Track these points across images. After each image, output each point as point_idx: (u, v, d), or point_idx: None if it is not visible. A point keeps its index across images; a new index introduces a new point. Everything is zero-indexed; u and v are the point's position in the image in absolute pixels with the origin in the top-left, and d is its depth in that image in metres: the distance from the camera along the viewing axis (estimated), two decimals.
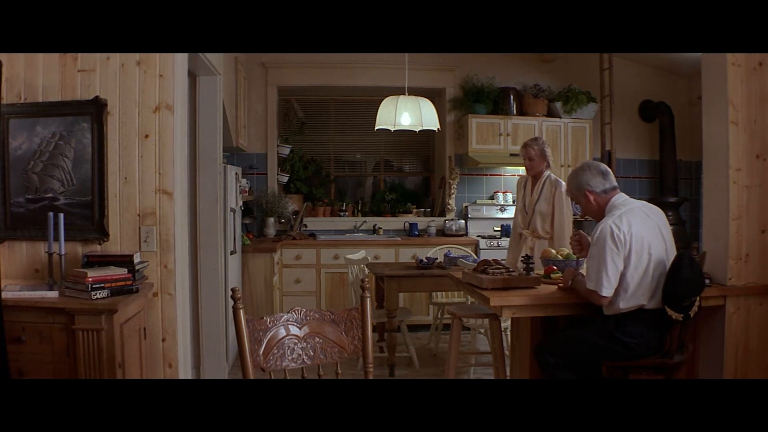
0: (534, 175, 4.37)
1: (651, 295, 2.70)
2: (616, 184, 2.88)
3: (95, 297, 2.51)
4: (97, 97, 2.89)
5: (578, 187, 2.88)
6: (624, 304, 2.71)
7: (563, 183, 4.19)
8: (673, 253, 2.78)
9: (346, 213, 6.62)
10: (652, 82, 6.77)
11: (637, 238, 2.69)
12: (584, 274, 2.93)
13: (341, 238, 6.18)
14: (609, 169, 2.92)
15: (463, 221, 6.42)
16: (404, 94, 4.80)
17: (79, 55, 2.90)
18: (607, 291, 2.70)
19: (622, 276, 2.70)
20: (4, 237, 2.92)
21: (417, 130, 4.88)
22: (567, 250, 3.47)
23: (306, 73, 6.35)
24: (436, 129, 4.95)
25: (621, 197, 2.84)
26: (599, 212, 2.86)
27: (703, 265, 3.05)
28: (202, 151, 4.24)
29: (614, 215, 2.75)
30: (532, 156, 4.30)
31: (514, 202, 6.59)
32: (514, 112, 6.39)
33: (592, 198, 2.85)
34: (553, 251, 3.56)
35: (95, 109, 2.89)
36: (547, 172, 4.33)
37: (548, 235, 4.28)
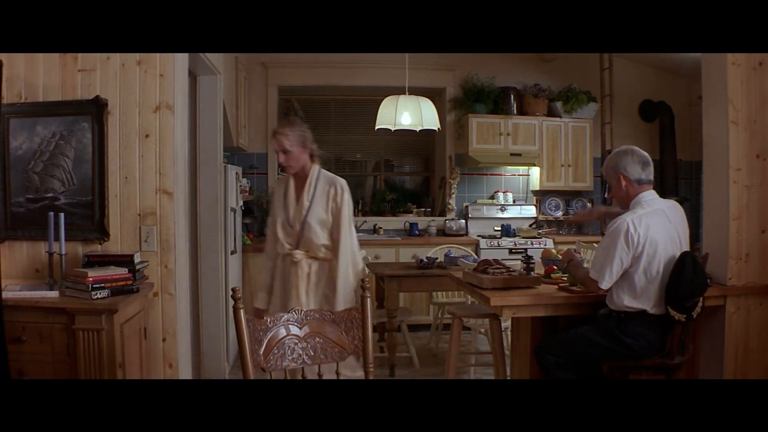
0: (296, 174, 3.16)
1: (656, 301, 2.69)
2: (652, 178, 2.82)
3: (95, 297, 2.51)
4: (97, 96, 2.89)
5: (615, 167, 2.83)
6: (628, 302, 2.71)
7: (343, 181, 3.16)
8: None
9: None
10: (652, 82, 6.78)
11: (652, 242, 2.67)
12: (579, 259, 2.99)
13: None
14: (650, 162, 2.84)
15: (464, 221, 6.42)
16: (404, 94, 4.81)
17: (80, 55, 2.90)
18: (606, 284, 2.72)
19: (630, 276, 2.69)
20: (5, 237, 2.92)
21: (417, 130, 4.88)
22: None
23: (306, 73, 6.35)
24: (436, 129, 4.95)
25: (651, 195, 2.79)
26: (626, 199, 2.83)
27: (706, 266, 3.05)
28: (203, 151, 4.24)
29: (636, 213, 2.72)
30: (286, 147, 3.06)
31: (515, 201, 6.62)
32: (515, 111, 6.39)
33: (623, 183, 2.80)
34: (554, 251, 3.56)
35: (95, 109, 2.89)
36: (315, 168, 3.16)
37: (330, 253, 3.10)
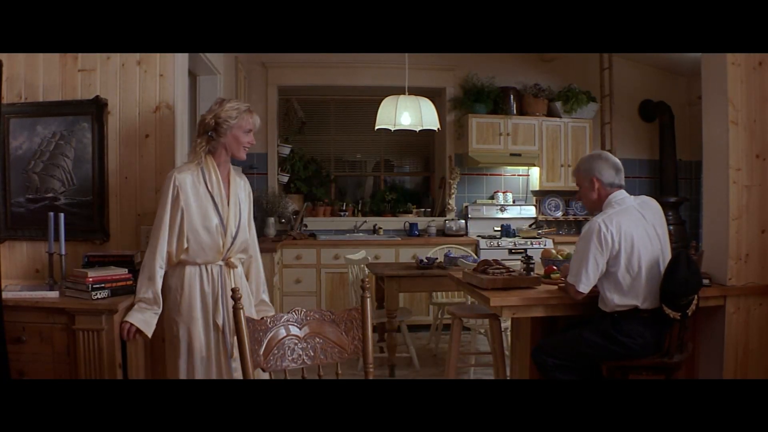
0: (218, 163, 2.60)
1: (645, 296, 2.71)
2: (623, 183, 2.87)
3: (96, 297, 2.51)
4: (97, 96, 2.90)
5: (588, 171, 2.86)
6: (618, 301, 2.72)
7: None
8: (668, 252, 2.79)
9: (347, 213, 6.62)
10: (652, 82, 6.78)
11: (627, 237, 2.69)
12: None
13: (341, 238, 6.18)
14: (622, 168, 2.89)
15: (463, 221, 6.42)
16: (404, 94, 4.81)
17: (80, 54, 2.90)
18: (584, 287, 2.72)
19: (615, 276, 2.71)
20: (5, 237, 2.92)
21: (417, 130, 4.88)
22: (568, 250, 3.46)
23: (306, 73, 6.36)
24: (436, 129, 4.96)
25: (621, 194, 2.83)
26: (597, 203, 2.86)
27: (701, 264, 3.05)
28: None
29: (606, 213, 2.76)
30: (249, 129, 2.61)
31: (514, 201, 6.62)
32: (514, 111, 6.39)
33: (596, 186, 2.83)
34: (554, 251, 3.57)
35: (96, 109, 2.90)
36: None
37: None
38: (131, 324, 2.47)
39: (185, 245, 2.51)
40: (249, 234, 2.70)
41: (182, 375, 2.55)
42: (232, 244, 2.58)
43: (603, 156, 2.89)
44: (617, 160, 2.89)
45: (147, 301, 2.49)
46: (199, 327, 2.54)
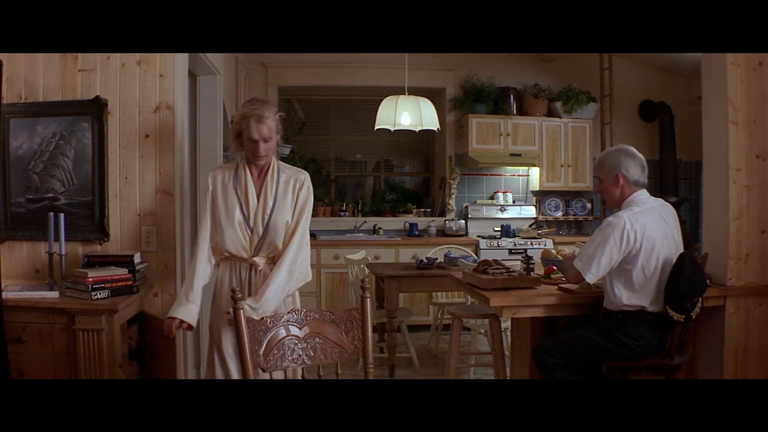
0: (253, 164, 2.60)
1: (654, 298, 2.70)
2: (647, 182, 2.83)
3: (96, 297, 2.51)
4: (97, 96, 2.90)
5: (613, 166, 2.79)
6: (626, 300, 2.71)
7: (306, 174, 2.69)
8: None
9: (347, 213, 6.62)
10: (652, 82, 6.78)
11: (649, 239, 2.68)
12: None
13: (341, 238, 6.18)
14: (646, 166, 2.85)
15: (463, 221, 6.43)
16: (404, 94, 4.81)
17: (80, 54, 2.90)
18: (590, 277, 2.70)
19: (628, 273, 2.70)
20: (5, 237, 2.92)
21: (417, 130, 4.88)
22: (567, 250, 3.46)
23: (306, 73, 6.36)
24: (436, 129, 4.96)
25: (644, 194, 2.80)
26: (618, 200, 2.82)
27: (705, 266, 3.05)
28: (203, 151, 4.23)
29: (633, 211, 2.72)
30: (268, 135, 2.51)
31: (514, 201, 6.62)
32: (514, 111, 6.40)
33: (621, 182, 2.78)
34: (553, 251, 3.56)
35: (96, 109, 2.89)
36: (273, 159, 2.64)
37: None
38: (176, 318, 2.47)
39: (216, 239, 2.59)
40: (286, 235, 2.57)
41: (216, 371, 2.57)
42: (258, 242, 2.56)
43: (630, 152, 2.81)
44: (642, 158, 2.83)
45: (184, 294, 2.53)
46: (225, 323, 2.56)
